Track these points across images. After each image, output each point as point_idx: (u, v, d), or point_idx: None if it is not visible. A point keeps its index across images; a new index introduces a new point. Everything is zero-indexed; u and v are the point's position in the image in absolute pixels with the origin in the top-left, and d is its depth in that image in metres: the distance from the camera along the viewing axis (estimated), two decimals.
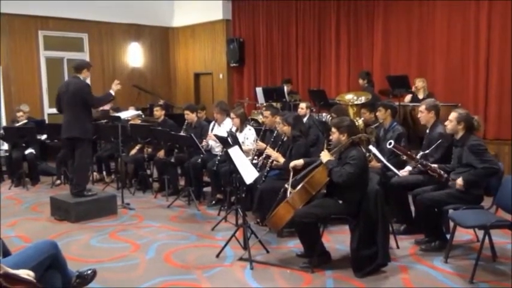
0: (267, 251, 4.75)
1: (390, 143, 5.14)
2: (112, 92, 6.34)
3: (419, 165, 4.94)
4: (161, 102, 10.61)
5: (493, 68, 8.01)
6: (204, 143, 6.77)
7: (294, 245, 4.90)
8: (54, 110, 10.65)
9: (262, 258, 4.62)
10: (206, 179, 7.14)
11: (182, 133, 7.01)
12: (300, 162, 5.02)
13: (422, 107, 5.34)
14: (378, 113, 6.07)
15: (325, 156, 4.36)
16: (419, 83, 7.99)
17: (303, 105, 7.43)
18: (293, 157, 5.30)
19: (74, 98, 6.03)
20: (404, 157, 5.26)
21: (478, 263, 4.05)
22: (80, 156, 6.14)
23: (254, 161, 5.88)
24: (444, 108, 5.72)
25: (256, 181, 5.06)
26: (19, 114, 8.61)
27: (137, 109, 9.20)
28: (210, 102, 10.75)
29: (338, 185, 4.31)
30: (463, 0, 8.31)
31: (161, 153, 7.39)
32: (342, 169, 4.18)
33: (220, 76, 12.67)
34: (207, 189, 7.11)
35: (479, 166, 4.45)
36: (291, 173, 4.81)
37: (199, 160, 6.70)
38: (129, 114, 7.75)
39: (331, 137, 4.56)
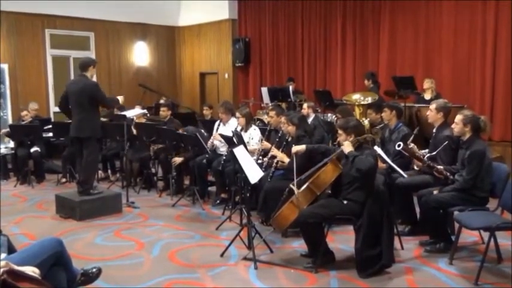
0: (271, 251, 4.75)
1: (399, 145, 5.12)
2: (120, 99, 6.87)
3: (425, 167, 4.93)
4: (162, 100, 10.62)
5: (500, 69, 7.99)
6: (209, 144, 6.77)
7: (299, 245, 4.90)
8: None
9: (267, 258, 4.62)
10: (211, 178, 7.15)
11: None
12: (302, 147, 4.88)
13: (433, 106, 5.29)
14: (383, 114, 6.05)
15: (347, 146, 4.29)
16: (426, 84, 7.99)
17: (305, 105, 7.45)
18: (296, 157, 5.28)
19: (82, 97, 6.04)
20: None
21: (483, 265, 4.03)
22: (88, 155, 6.17)
23: (259, 161, 5.88)
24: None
25: (261, 181, 5.06)
26: (23, 113, 8.66)
27: (143, 108, 9.22)
28: (215, 102, 10.75)
29: (343, 185, 4.31)
30: (469, 1, 8.29)
31: (177, 160, 7.09)
32: (365, 158, 4.14)
33: (226, 76, 12.68)
34: (212, 188, 7.12)
35: (466, 176, 4.49)
36: (294, 159, 4.76)
37: (205, 160, 6.72)
38: (134, 113, 7.77)
39: (338, 139, 4.54)
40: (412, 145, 5.29)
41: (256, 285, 4.06)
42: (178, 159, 7.07)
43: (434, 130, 5.31)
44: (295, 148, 4.89)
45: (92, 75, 6.30)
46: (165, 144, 7.31)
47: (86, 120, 6.08)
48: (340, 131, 4.44)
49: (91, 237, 5.39)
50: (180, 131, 7.11)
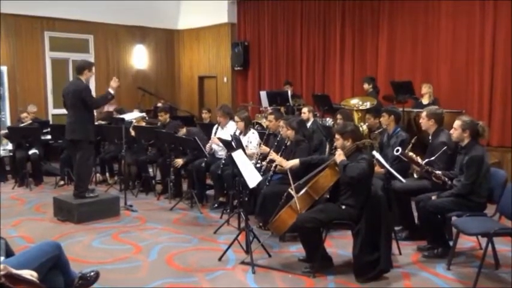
0: (269, 255, 4.75)
1: (397, 150, 5.13)
2: (111, 90, 6.21)
3: (424, 172, 4.94)
4: (159, 104, 10.63)
5: (498, 74, 8.00)
6: (207, 148, 6.77)
7: (296, 250, 4.90)
8: (58, 111, 10.81)
9: (264, 262, 4.61)
10: (209, 181, 7.14)
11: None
12: (295, 162, 4.92)
13: (424, 114, 5.34)
14: (381, 119, 6.07)
15: (339, 156, 4.31)
16: (424, 89, 8.01)
17: (305, 109, 7.45)
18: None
19: (74, 100, 6.04)
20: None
21: (480, 271, 4.03)
22: (80, 158, 6.13)
23: (257, 165, 5.88)
24: (448, 115, 5.71)
25: (259, 185, 5.06)
26: (23, 115, 8.66)
27: (141, 111, 9.22)
28: (214, 106, 10.75)
29: (341, 190, 4.31)
30: (468, 6, 8.32)
31: (179, 161, 7.09)
32: (357, 164, 4.16)
33: (225, 79, 12.69)
34: (210, 192, 7.12)
35: (464, 181, 4.51)
36: (289, 176, 4.77)
37: (203, 164, 6.72)
38: (133, 116, 7.77)
39: (335, 144, 4.55)
40: (410, 154, 5.31)
41: None
42: (179, 161, 7.06)
43: (430, 137, 5.33)
44: (289, 163, 4.90)
45: (88, 78, 6.22)
46: (163, 147, 7.31)
47: (78, 122, 6.06)
48: (337, 136, 4.45)
49: (89, 240, 5.38)
50: (181, 133, 7.11)
